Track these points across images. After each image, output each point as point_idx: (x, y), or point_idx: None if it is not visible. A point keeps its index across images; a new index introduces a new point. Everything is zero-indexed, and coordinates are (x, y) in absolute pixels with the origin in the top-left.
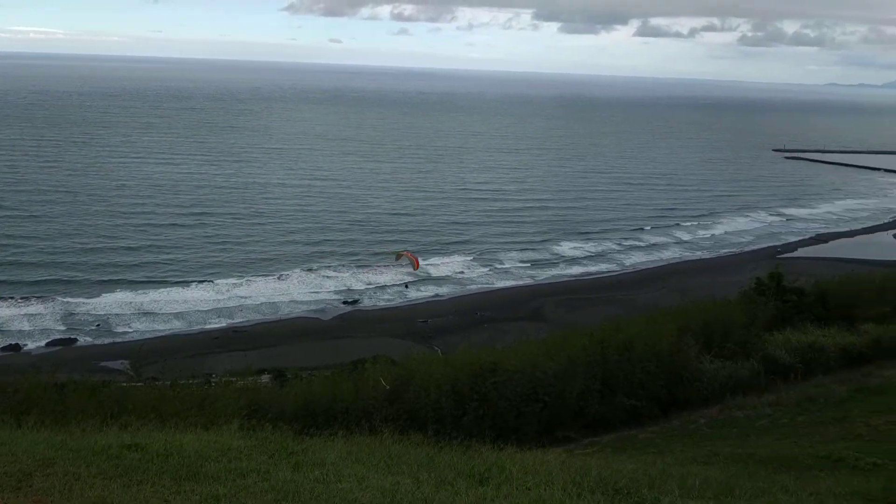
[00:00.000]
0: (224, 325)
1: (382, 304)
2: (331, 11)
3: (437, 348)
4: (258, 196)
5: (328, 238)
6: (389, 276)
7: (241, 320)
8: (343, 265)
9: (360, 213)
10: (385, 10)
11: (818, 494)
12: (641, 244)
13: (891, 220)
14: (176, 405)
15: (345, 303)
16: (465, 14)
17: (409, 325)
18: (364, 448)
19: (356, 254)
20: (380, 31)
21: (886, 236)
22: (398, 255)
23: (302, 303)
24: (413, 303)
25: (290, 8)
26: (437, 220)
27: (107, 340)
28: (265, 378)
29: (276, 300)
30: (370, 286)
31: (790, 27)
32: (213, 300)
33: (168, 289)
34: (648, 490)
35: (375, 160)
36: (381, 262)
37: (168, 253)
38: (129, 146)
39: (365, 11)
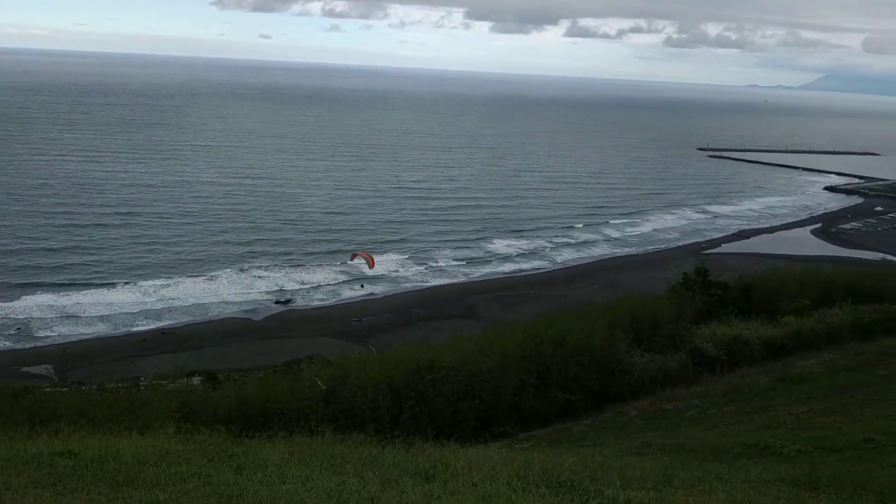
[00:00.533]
0: (152, 327)
1: (316, 303)
2: (261, 7)
3: (371, 347)
4: (187, 195)
5: (260, 237)
6: (323, 275)
7: (169, 322)
8: (276, 265)
9: (293, 212)
10: (316, 6)
11: (750, 482)
12: (572, 241)
13: (808, 216)
14: (105, 410)
15: (277, 302)
16: (398, 11)
17: (343, 325)
18: (306, 449)
19: (289, 253)
20: (311, 28)
21: (804, 232)
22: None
23: (233, 303)
24: (347, 302)
25: (219, 3)
26: (371, 218)
27: (28, 345)
28: (196, 380)
29: (206, 301)
30: (304, 285)
31: (713, 29)
32: (141, 302)
33: (92, 291)
34: (591, 482)
35: (308, 158)
36: (315, 262)
37: (92, 254)
38: (51, 143)
39: (296, 7)
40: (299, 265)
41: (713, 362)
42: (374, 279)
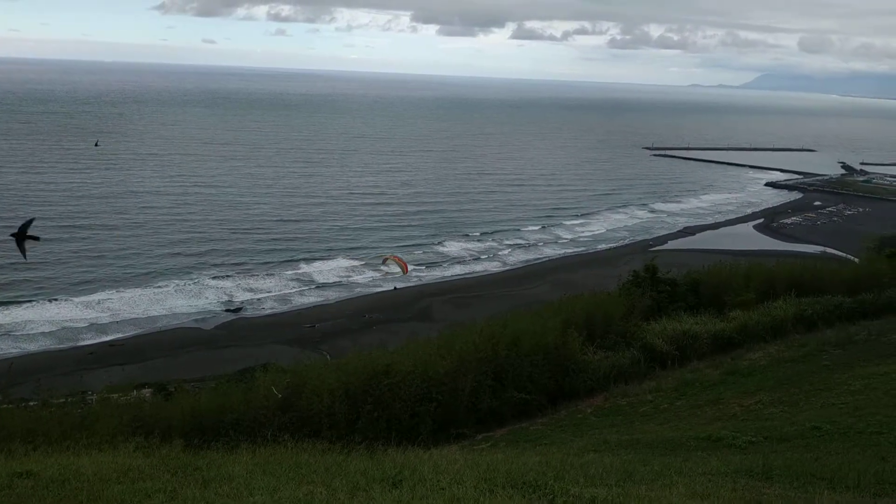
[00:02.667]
0: (99, 340)
1: (267, 311)
2: (204, 11)
3: (325, 353)
4: (132, 205)
5: (209, 247)
6: (274, 282)
7: (117, 334)
8: (226, 273)
9: (243, 220)
10: (261, 10)
11: (708, 474)
12: (524, 242)
13: (750, 212)
14: (56, 427)
15: (228, 311)
16: (344, 15)
17: (295, 331)
18: (270, 459)
19: (240, 262)
20: (256, 32)
21: (747, 228)
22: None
23: (182, 314)
24: (299, 308)
25: (161, 7)
26: (322, 224)
27: None
28: (146, 392)
29: (153, 312)
30: (254, 293)
31: (656, 31)
32: (87, 316)
33: (35, 307)
34: (555, 481)
35: (256, 164)
36: (266, 270)
37: (35, 270)
38: None
39: (240, 11)
40: (250, 273)
41: (664, 357)
42: (326, 285)
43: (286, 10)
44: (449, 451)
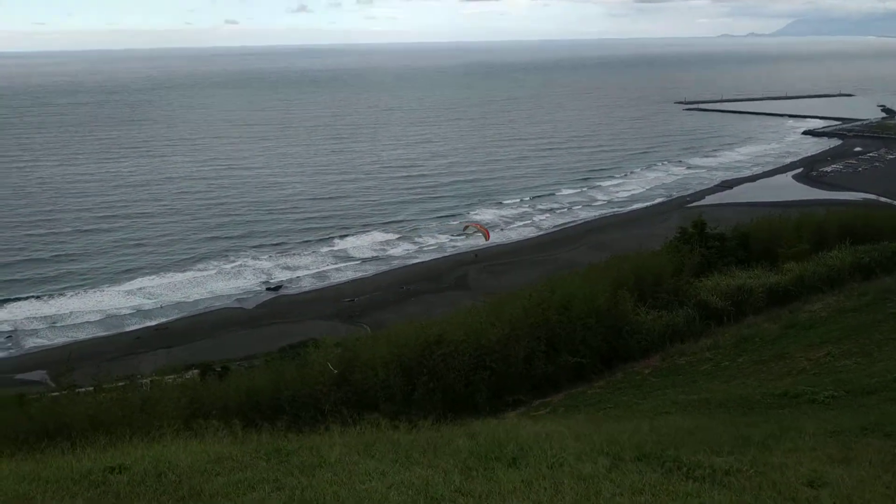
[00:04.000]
0: (145, 325)
1: (306, 287)
2: None
3: (365, 326)
4: (167, 191)
5: (245, 228)
6: (310, 259)
7: (161, 319)
8: (264, 253)
9: (277, 200)
10: None
11: (830, 433)
12: (558, 206)
13: (789, 162)
14: (117, 413)
15: (268, 289)
16: None
17: (335, 306)
18: (361, 439)
19: (277, 241)
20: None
21: (787, 178)
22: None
23: (223, 295)
24: (337, 283)
25: None
26: (356, 199)
27: (19, 352)
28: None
29: (195, 295)
30: (293, 271)
31: None
32: (130, 303)
33: (81, 296)
34: (675, 450)
35: (287, 143)
36: (303, 248)
37: (78, 262)
38: (22, 148)
39: None
40: (287, 252)
41: (720, 314)
42: (363, 258)
43: None
44: (543, 422)
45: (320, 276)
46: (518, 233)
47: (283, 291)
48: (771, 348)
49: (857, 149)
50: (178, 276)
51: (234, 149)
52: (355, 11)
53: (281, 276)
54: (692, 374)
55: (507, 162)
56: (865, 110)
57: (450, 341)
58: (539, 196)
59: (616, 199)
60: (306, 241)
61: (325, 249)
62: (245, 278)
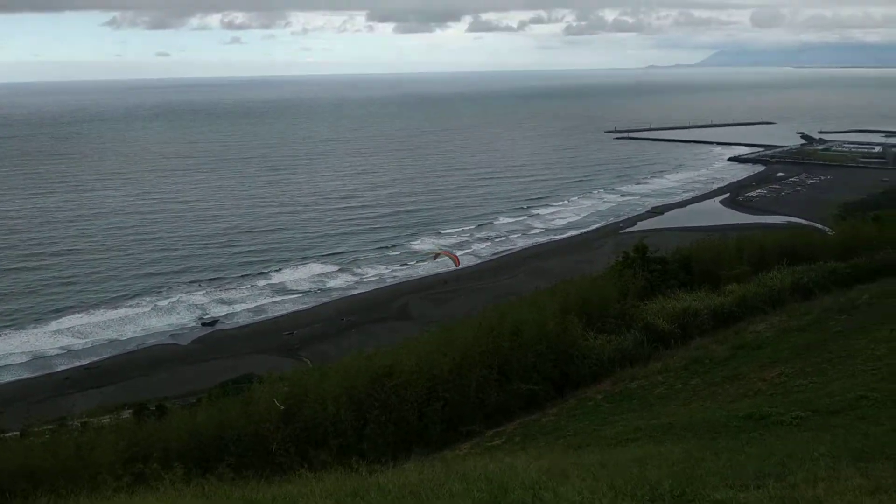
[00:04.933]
0: (74, 364)
1: (243, 321)
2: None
3: (305, 359)
4: (98, 227)
5: (179, 263)
6: (247, 292)
7: (92, 358)
8: (199, 288)
9: (213, 233)
10: (215, 19)
11: (827, 457)
12: (495, 234)
13: (717, 188)
14: (50, 460)
15: (204, 324)
16: (299, 19)
17: (274, 339)
18: (344, 486)
19: (213, 275)
20: (211, 42)
21: (714, 203)
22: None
23: (157, 332)
24: (275, 317)
25: (112, 23)
26: (293, 230)
27: None
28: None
29: (128, 333)
30: (229, 305)
31: (610, 15)
32: (59, 343)
33: (5, 338)
34: (689, 486)
35: (222, 176)
36: (239, 281)
37: (3, 302)
38: None
39: (193, 21)
40: (224, 286)
41: (666, 337)
42: (301, 290)
43: (240, 17)
44: (521, 454)
45: (258, 309)
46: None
47: (219, 326)
48: (722, 369)
49: (780, 174)
50: (110, 314)
51: (167, 182)
52: (290, 43)
53: (217, 310)
54: (646, 399)
55: (446, 192)
56: (786, 137)
57: (401, 372)
58: (478, 225)
59: (553, 227)
60: (243, 275)
61: (262, 283)
62: (179, 314)
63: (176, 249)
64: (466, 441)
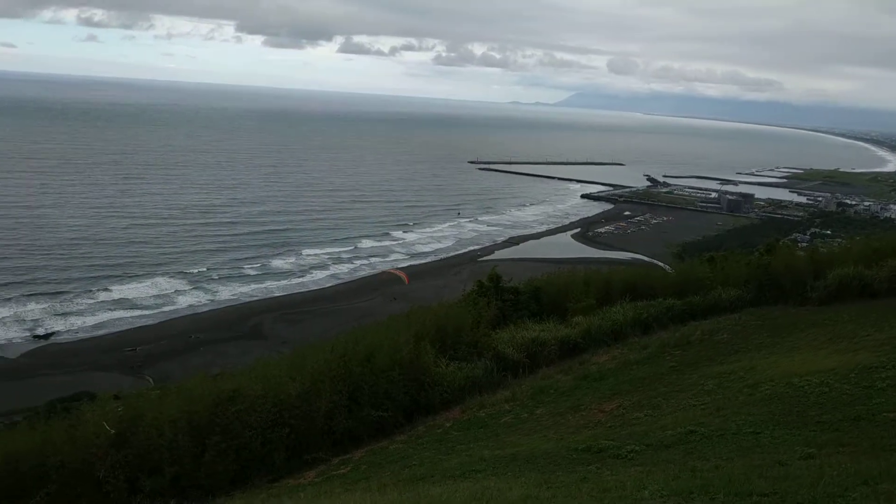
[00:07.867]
0: None
1: (82, 335)
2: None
3: (148, 378)
4: None
5: (14, 272)
6: (88, 305)
7: None
8: (33, 299)
9: (54, 242)
10: (70, 13)
11: (676, 494)
12: (356, 256)
13: (569, 223)
14: None
15: (36, 337)
16: (164, 23)
17: (115, 355)
18: None
19: (51, 287)
20: (64, 37)
21: (566, 237)
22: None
23: None
24: (118, 331)
25: None
26: (139, 242)
27: None
28: None
29: None
30: (66, 318)
31: (479, 49)
32: None
33: None
34: None
35: (69, 181)
36: (80, 292)
37: None
38: None
39: (46, 14)
40: (62, 298)
41: (516, 365)
42: (145, 305)
43: (98, 14)
44: (370, 487)
45: (99, 325)
46: (314, 281)
47: (53, 339)
48: (567, 400)
49: (627, 213)
50: None
51: (4, 184)
52: (151, 46)
53: (53, 323)
54: (494, 427)
55: (308, 213)
56: (634, 178)
57: (246, 396)
58: (340, 247)
59: (412, 251)
60: (87, 290)
61: (106, 297)
62: (7, 326)
63: (9, 258)
64: (312, 469)
